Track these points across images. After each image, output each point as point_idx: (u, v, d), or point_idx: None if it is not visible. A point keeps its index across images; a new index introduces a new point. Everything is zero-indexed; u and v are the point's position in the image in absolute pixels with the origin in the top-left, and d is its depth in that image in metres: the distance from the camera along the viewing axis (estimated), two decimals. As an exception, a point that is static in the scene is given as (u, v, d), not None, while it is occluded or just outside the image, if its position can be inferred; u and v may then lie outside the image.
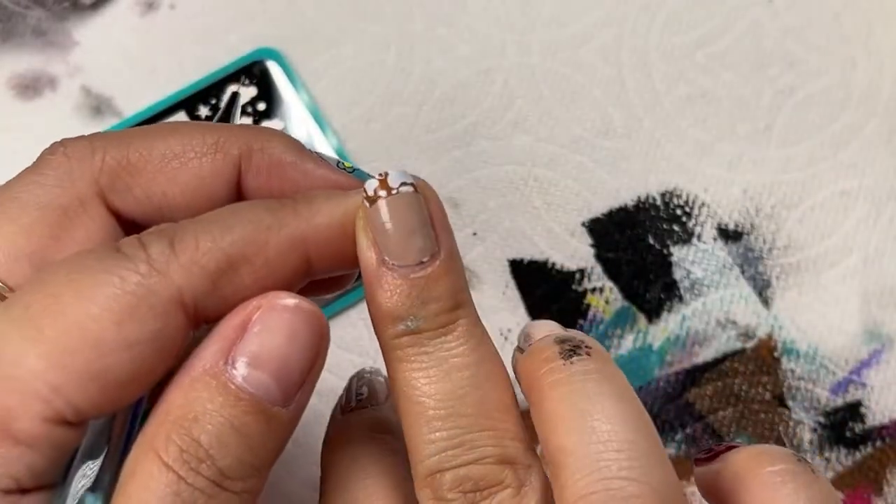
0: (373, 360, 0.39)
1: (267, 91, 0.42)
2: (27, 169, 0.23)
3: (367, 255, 0.21)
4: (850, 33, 0.43)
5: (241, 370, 0.20)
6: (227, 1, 0.43)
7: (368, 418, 0.27)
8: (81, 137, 0.23)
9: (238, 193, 0.23)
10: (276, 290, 0.21)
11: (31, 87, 0.43)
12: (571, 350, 0.22)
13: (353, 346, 0.39)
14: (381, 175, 0.21)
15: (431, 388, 0.21)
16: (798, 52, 0.42)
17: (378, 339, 0.22)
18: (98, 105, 0.42)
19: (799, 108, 0.42)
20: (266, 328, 0.20)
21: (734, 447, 0.24)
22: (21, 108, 0.42)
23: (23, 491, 0.19)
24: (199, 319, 0.20)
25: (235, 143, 0.23)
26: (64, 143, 0.23)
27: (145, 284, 0.19)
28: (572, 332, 0.23)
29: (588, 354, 0.21)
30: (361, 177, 0.24)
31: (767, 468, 0.22)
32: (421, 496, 0.21)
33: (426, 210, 0.21)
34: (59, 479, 0.20)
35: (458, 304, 0.21)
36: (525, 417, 0.22)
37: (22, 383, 0.18)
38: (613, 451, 0.20)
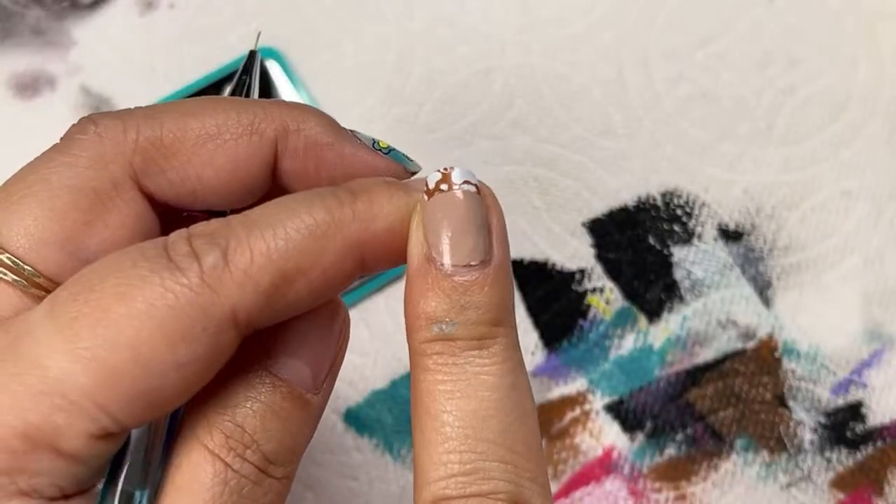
0: (373, 360, 0.39)
1: (267, 91, 0.42)
2: (55, 148, 0.22)
3: (416, 249, 0.20)
4: (850, 33, 0.43)
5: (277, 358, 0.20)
6: (227, 1, 0.43)
7: None
8: (112, 114, 0.22)
9: (274, 175, 0.23)
10: (329, 296, 0.20)
11: (29, 86, 0.42)
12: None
13: (353, 346, 0.39)
14: (445, 169, 0.20)
15: (453, 403, 0.20)
16: (799, 52, 0.42)
17: (408, 342, 0.21)
18: (97, 105, 0.42)
19: (800, 107, 0.42)
20: (300, 321, 0.20)
21: None
22: (20, 107, 0.42)
23: (65, 496, 0.19)
24: (250, 330, 0.19)
25: (271, 124, 0.22)
26: (94, 120, 0.22)
27: (199, 303, 0.18)
28: None
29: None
30: (397, 158, 0.23)
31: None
32: None
33: (486, 215, 0.20)
34: (100, 478, 0.20)
35: (500, 321, 0.20)
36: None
37: (69, 401, 0.18)
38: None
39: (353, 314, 0.39)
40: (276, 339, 0.20)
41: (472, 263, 0.20)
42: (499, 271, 0.20)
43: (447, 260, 0.20)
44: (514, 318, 0.21)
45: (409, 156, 0.23)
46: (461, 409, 0.19)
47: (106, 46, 0.43)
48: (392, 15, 0.43)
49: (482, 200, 0.20)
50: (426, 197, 0.20)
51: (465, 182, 0.20)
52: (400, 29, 0.43)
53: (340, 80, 0.42)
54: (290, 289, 0.19)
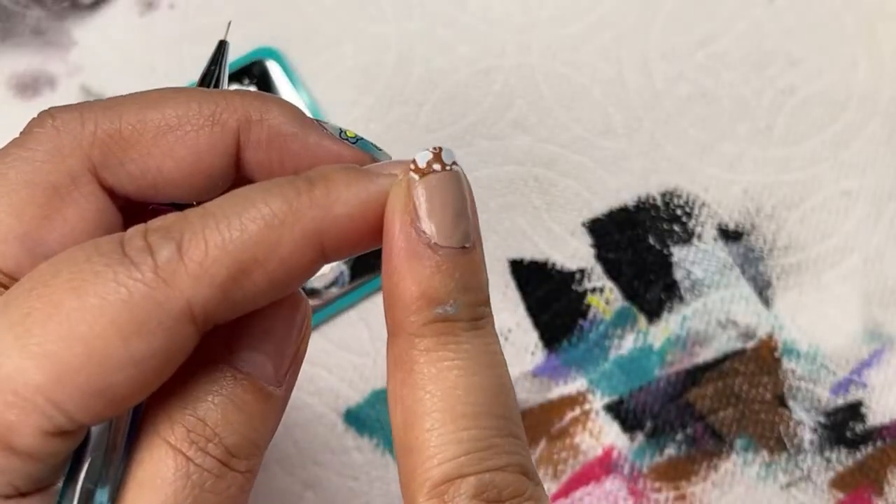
0: (373, 360, 0.39)
1: (266, 91, 0.42)
2: (14, 142, 0.21)
3: (406, 230, 0.20)
4: (850, 33, 0.43)
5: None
6: (227, 1, 0.43)
7: None
8: (71, 107, 0.22)
9: (237, 167, 0.22)
10: (291, 287, 0.20)
11: (30, 86, 0.42)
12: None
13: (353, 346, 0.39)
14: (434, 149, 0.20)
15: (463, 381, 0.19)
16: (799, 52, 0.42)
17: (397, 329, 0.20)
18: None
19: (800, 107, 0.42)
20: (260, 314, 0.20)
21: None
22: (20, 107, 0.42)
23: (22, 494, 0.19)
24: (209, 325, 0.19)
25: (233, 114, 0.22)
26: (52, 113, 0.21)
27: (153, 298, 0.18)
28: None
29: None
30: (365, 147, 0.23)
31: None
32: None
33: (470, 197, 0.20)
34: (59, 477, 0.19)
35: (487, 301, 0.20)
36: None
37: (21, 397, 0.17)
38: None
39: (353, 314, 0.40)
40: (238, 332, 0.20)
41: (467, 245, 0.20)
42: (482, 252, 0.20)
43: (446, 242, 0.20)
44: None
45: (376, 145, 0.23)
46: (471, 385, 0.19)
47: (106, 46, 0.43)
48: (392, 15, 0.43)
49: (466, 180, 0.20)
50: (417, 176, 0.20)
51: (454, 163, 0.20)
52: (400, 29, 0.43)
53: (340, 80, 0.42)
54: (248, 281, 0.19)
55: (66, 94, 0.42)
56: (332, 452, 0.38)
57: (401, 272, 0.20)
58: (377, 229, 0.20)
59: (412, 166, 0.20)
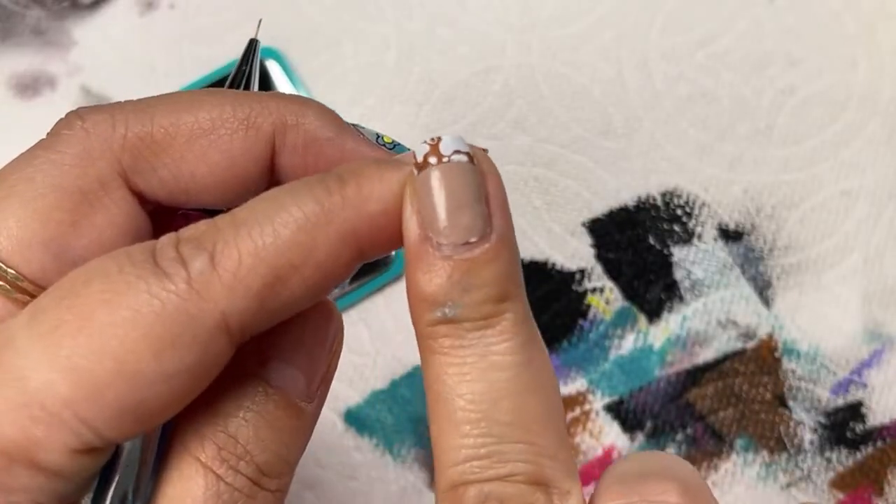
0: (373, 360, 0.39)
1: (267, 91, 0.42)
2: (40, 144, 0.21)
3: (410, 228, 0.19)
4: (850, 33, 0.43)
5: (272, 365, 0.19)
6: (227, 1, 0.43)
7: None
8: (101, 108, 0.21)
9: (271, 172, 0.21)
10: (329, 289, 0.19)
11: (30, 86, 0.42)
12: None
13: (353, 346, 0.39)
14: (432, 140, 0.19)
15: (464, 386, 0.19)
16: (799, 52, 0.42)
17: (413, 325, 0.19)
18: (97, 104, 0.42)
19: (800, 107, 0.42)
20: (292, 326, 0.20)
21: None
22: (20, 107, 0.42)
23: None
24: (245, 336, 0.18)
25: (268, 118, 0.21)
26: (81, 115, 0.21)
27: (187, 311, 0.17)
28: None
29: None
30: (402, 152, 0.22)
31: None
32: None
33: (482, 184, 0.19)
34: (85, 494, 0.19)
35: (506, 296, 0.19)
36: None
37: (48, 412, 0.17)
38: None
39: (353, 314, 0.40)
40: (269, 345, 0.20)
41: (472, 240, 0.18)
42: (500, 244, 0.19)
43: (444, 239, 0.18)
44: (523, 289, 0.19)
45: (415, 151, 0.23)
46: (472, 391, 0.18)
47: (106, 46, 0.43)
48: (392, 15, 0.43)
49: (476, 169, 0.19)
50: (416, 171, 0.19)
51: (456, 152, 0.19)
52: (400, 29, 0.43)
53: (340, 80, 0.42)
54: (284, 288, 0.18)
55: (66, 94, 0.42)
56: (332, 453, 0.38)
57: (407, 272, 0.19)
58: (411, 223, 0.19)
59: (412, 160, 0.19)
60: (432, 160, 0.19)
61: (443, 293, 0.18)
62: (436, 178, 0.19)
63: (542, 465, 0.18)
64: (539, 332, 0.20)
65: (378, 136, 0.22)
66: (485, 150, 0.20)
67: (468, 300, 0.18)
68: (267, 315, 0.18)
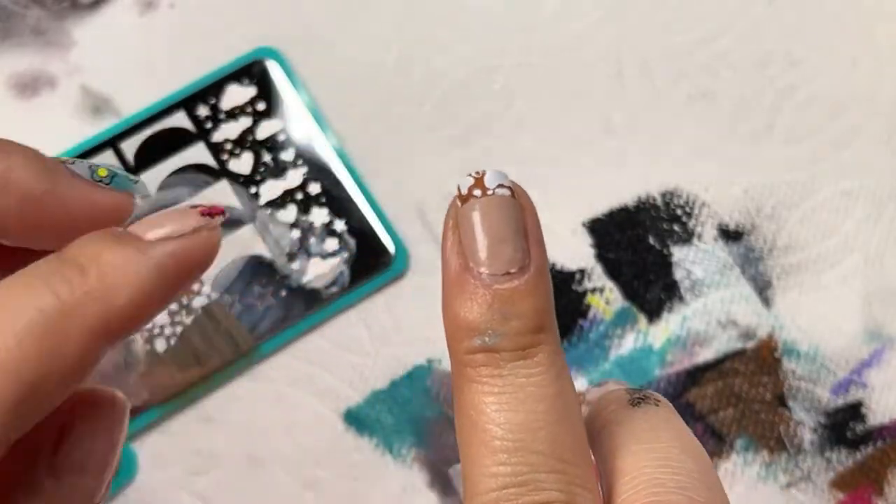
0: (372, 360, 0.39)
1: (266, 91, 0.42)
2: None
3: (452, 259, 0.19)
4: (850, 33, 0.43)
5: None
6: (227, 0, 0.43)
7: None
8: None
9: None
10: (83, 380, 0.18)
11: (30, 86, 0.42)
12: (640, 398, 0.21)
13: (352, 346, 0.39)
14: (477, 173, 0.20)
15: (502, 416, 0.19)
16: (799, 52, 0.42)
17: (450, 353, 0.20)
18: (97, 104, 0.42)
19: (800, 107, 0.42)
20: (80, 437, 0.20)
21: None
22: (20, 107, 0.42)
23: None
24: (9, 443, 0.17)
25: None
26: None
27: None
28: (644, 390, 0.22)
29: (656, 404, 0.21)
30: (121, 185, 0.21)
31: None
32: None
33: (521, 218, 0.19)
34: None
35: (542, 328, 0.19)
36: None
37: None
38: (669, 472, 0.19)
39: (353, 314, 0.40)
40: (56, 448, 0.19)
41: (512, 271, 0.19)
42: (538, 276, 0.19)
43: (485, 269, 0.19)
44: (555, 321, 0.20)
45: (132, 177, 0.21)
46: (510, 421, 0.19)
47: (106, 46, 0.43)
48: (392, 15, 0.43)
49: (517, 203, 0.20)
50: (459, 203, 0.19)
51: (500, 185, 0.20)
52: (400, 29, 0.43)
53: (340, 80, 0.42)
54: (38, 394, 0.17)
55: (65, 94, 0.42)
56: (331, 453, 0.38)
57: (445, 301, 0.20)
58: (164, 298, 0.19)
59: (457, 192, 0.20)
60: (476, 193, 0.19)
61: (484, 322, 0.19)
62: (480, 210, 0.19)
63: (575, 493, 0.19)
64: (566, 365, 0.20)
65: (92, 171, 0.20)
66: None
67: (507, 329, 0.19)
68: (26, 420, 0.17)
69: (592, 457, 0.21)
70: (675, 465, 0.19)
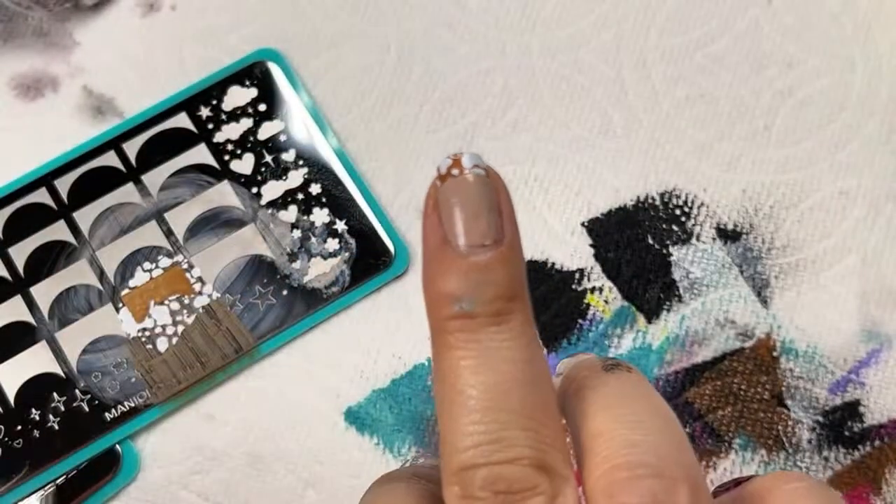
0: (373, 359, 0.39)
1: (267, 92, 0.42)
2: None
3: (431, 234, 0.21)
4: (849, 34, 0.43)
5: None
6: (228, 2, 0.44)
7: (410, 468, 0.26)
8: None
9: None
10: None
11: (32, 87, 0.43)
12: (613, 365, 0.22)
13: (353, 345, 0.39)
14: (455, 155, 0.22)
15: (476, 378, 0.20)
16: (797, 53, 0.43)
17: (429, 323, 0.21)
18: (99, 106, 0.42)
19: (798, 108, 0.42)
20: None
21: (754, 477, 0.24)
22: (22, 108, 0.42)
23: None
24: None
25: None
26: None
27: None
28: (616, 359, 0.23)
29: (629, 370, 0.22)
30: None
31: (786, 486, 0.22)
32: (448, 494, 0.20)
33: (495, 197, 0.21)
34: None
35: (515, 297, 0.21)
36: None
37: None
38: (641, 433, 0.20)
39: (354, 313, 0.40)
40: None
41: (486, 243, 0.21)
42: (510, 250, 0.21)
43: (462, 241, 0.21)
44: (528, 295, 0.21)
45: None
46: (484, 382, 0.20)
47: (108, 48, 0.43)
48: (392, 15, 0.43)
49: (491, 183, 0.21)
50: (439, 182, 0.21)
51: (475, 166, 0.21)
52: (400, 29, 0.43)
53: (341, 80, 0.43)
54: None
55: (68, 96, 0.42)
56: (332, 451, 0.38)
57: (425, 272, 0.21)
58: None
59: (436, 173, 0.22)
60: (455, 172, 0.21)
61: (460, 289, 0.20)
62: (458, 187, 0.21)
63: (545, 451, 0.20)
64: (538, 336, 0.21)
65: None
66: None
67: (482, 296, 0.20)
68: None
69: (564, 420, 0.22)
70: (647, 426, 0.21)
